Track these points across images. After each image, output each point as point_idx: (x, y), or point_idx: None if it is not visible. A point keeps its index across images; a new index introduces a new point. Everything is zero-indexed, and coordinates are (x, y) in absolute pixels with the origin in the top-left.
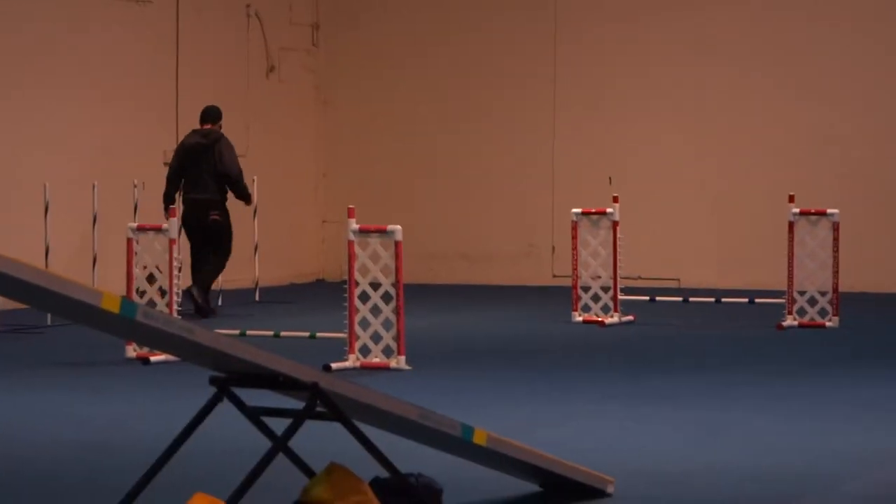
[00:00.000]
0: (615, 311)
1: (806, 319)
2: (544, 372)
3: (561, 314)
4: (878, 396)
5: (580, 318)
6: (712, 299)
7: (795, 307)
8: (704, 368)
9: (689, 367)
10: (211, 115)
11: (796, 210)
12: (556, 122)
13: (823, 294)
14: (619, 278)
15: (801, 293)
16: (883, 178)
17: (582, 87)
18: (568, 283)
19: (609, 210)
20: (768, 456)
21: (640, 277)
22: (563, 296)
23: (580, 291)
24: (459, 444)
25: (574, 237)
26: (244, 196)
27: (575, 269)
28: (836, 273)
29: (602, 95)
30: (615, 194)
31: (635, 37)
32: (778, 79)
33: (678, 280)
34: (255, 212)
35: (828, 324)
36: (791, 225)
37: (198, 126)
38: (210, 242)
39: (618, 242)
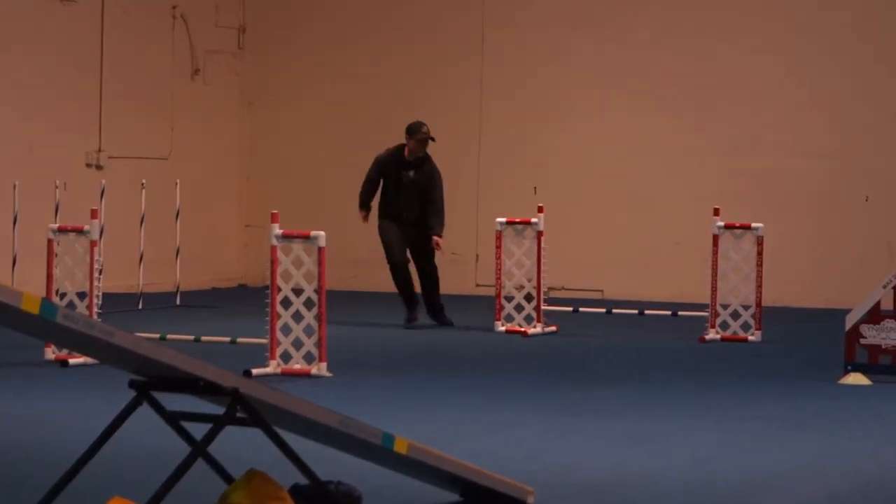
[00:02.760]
0: (538, 321)
1: (729, 333)
2: (467, 381)
3: (484, 323)
4: (799, 411)
5: (503, 328)
6: (636, 311)
7: (718, 320)
8: (627, 380)
9: (611, 379)
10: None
11: (721, 223)
12: (481, 130)
13: (746, 308)
14: (542, 288)
15: (725, 306)
16: (807, 192)
17: (508, 96)
18: (491, 292)
19: (534, 220)
20: (689, 469)
21: (563, 288)
22: (487, 305)
23: (503, 301)
24: (380, 452)
25: (498, 246)
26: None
27: (499, 278)
28: (759, 287)
29: (528, 105)
30: (540, 204)
31: (562, 46)
32: (703, 90)
33: (602, 291)
34: (177, 214)
35: (750, 338)
36: (715, 238)
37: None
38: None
39: (542, 252)
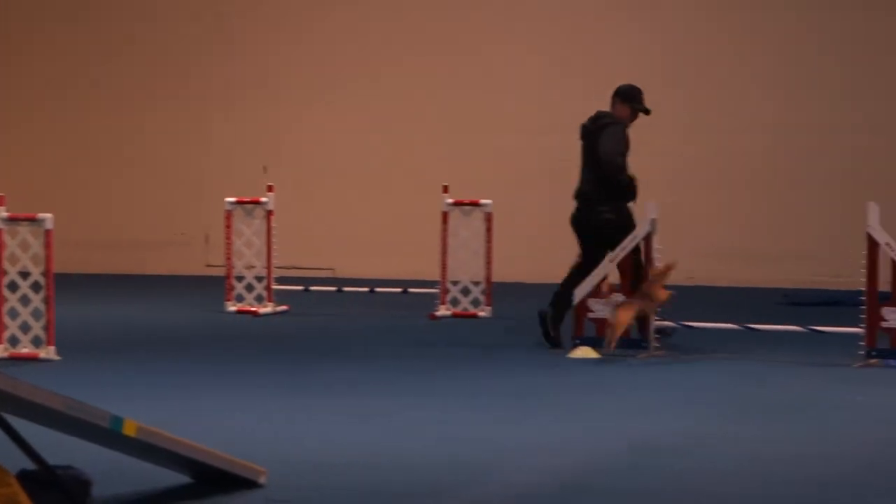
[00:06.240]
0: (269, 300)
1: (459, 309)
2: (197, 363)
3: (214, 304)
4: (529, 385)
5: (234, 308)
6: (367, 289)
7: (448, 297)
8: (357, 358)
9: (342, 357)
10: (617, 94)
11: (450, 200)
12: (208, 109)
13: (476, 284)
14: (273, 268)
15: (455, 283)
16: (534, 168)
17: (236, 73)
18: (222, 272)
19: (264, 199)
20: (420, 445)
21: (294, 267)
22: (217, 285)
23: (234, 281)
24: (109, 435)
25: (228, 226)
26: (623, 192)
27: (229, 258)
28: (489, 263)
29: (258, 84)
30: (270, 183)
31: (297, 28)
32: (434, 68)
33: (333, 270)
34: None
35: (480, 314)
36: (445, 215)
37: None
38: (601, 246)
39: (272, 232)
